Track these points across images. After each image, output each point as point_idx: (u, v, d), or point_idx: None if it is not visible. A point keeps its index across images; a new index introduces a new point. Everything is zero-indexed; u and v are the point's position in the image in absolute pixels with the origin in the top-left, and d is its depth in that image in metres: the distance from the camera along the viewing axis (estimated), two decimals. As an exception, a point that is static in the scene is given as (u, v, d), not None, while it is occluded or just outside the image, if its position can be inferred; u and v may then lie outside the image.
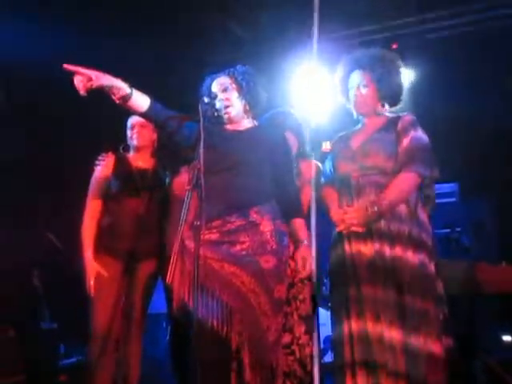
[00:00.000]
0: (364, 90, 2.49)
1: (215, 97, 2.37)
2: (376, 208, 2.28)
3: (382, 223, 2.30)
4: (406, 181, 2.33)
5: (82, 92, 2.13)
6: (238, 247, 2.23)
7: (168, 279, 1.89)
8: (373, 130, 2.48)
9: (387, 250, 2.28)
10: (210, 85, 2.44)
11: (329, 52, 3.13)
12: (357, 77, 2.51)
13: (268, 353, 2.20)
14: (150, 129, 2.92)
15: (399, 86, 2.53)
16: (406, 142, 2.35)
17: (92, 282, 2.72)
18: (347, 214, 2.35)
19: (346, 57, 2.59)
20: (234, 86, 2.41)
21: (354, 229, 2.33)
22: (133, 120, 2.96)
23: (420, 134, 2.38)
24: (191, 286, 2.12)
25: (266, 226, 2.26)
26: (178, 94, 3.62)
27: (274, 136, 2.45)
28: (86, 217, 2.85)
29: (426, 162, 2.33)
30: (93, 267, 2.74)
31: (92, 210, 2.86)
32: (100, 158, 2.94)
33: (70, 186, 3.97)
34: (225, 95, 2.39)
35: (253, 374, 2.17)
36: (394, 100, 2.54)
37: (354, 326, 2.29)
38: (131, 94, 2.21)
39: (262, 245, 2.24)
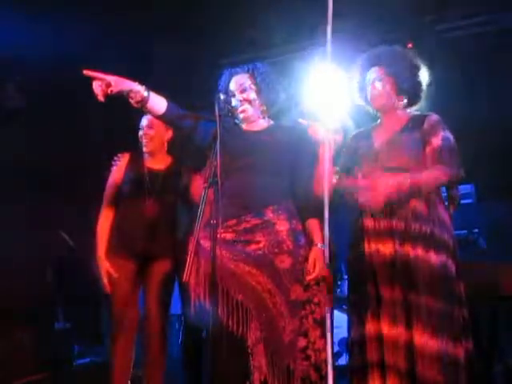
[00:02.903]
0: (379, 84, 2.43)
1: (232, 95, 2.37)
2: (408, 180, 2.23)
3: (404, 223, 2.27)
4: (437, 173, 2.27)
5: (101, 98, 2.14)
6: (254, 246, 2.22)
7: (185, 278, 1.88)
8: (395, 128, 2.43)
9: (408, 250, 2.24)
10: (229, 82, 2.42)
11: (343, 52, 3.11)
12: (373, 72, 2.47)
13: (284, 354, 2.17)
14: (161, 129, 2.90)
15: (418, 83, 2.46)
16: (435, 141, 2.30)
17: (106, 281, 2.78)
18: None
19: (363, 54, 2.55)
20: (252, 86, 2.38)
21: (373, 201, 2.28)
22: (142, 122, 2.93)
23: (448, 134, 2.33)
24: (207, 286, 2.13)
25: (282, 226, 2.24)
26: (192, 95, 3.62)
27: (291, 135, 2.41)
28: (100, 218, 2.89)
29: (455, 163, 2.29)
30: (104, 267, 2.79)
31: (106, 211, 2.89)
32: (116, 158, 2.94)
33: (83, 185, 3.99)
34: (243, 96, 2.37)
35: (269, 375, 2.15)
36: (412, 96, 2.47)
37: (369, 327, 2.26)
38: (148, 97, 2.22)
39: (277, 244, 2.22)
